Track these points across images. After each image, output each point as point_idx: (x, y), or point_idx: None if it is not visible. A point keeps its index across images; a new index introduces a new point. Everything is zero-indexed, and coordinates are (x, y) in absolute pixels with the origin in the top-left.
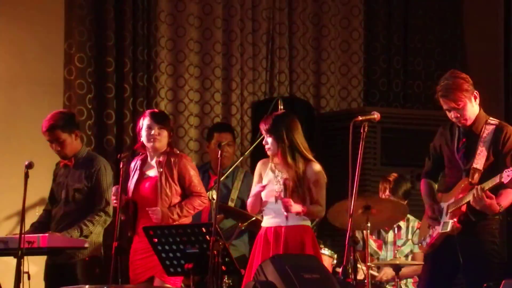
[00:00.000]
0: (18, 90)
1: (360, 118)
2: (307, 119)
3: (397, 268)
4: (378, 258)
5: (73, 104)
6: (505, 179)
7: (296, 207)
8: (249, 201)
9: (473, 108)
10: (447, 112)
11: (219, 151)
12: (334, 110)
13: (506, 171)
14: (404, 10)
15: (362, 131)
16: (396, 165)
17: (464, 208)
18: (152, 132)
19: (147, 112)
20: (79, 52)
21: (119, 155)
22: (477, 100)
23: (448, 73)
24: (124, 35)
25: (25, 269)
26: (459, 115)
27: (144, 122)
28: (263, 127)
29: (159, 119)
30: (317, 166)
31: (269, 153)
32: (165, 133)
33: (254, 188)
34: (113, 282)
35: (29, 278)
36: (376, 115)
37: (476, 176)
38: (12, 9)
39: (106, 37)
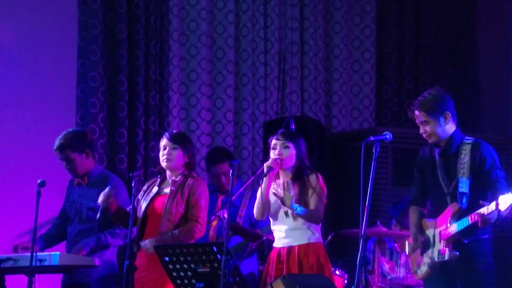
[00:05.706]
0: (30, 108)
1: (371, 138)
2: (319, 139)
3: None
4: (391, 280)
5: (86, 122)
6: (503, 206)
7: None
8: (255, 204)
9: (441, 127)
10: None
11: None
12: (345, 130)
13: (501, 198)
14: (416, 30)
15: (373, 151)
16: (408, 185)
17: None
18: (165, 151)
19: (166, 133)
20: (92, 71)
21: (131, 173)
22: (448, 120)
23: (428, 90)
24: (136, 54)
25: None
26: (423, 131)
27: (161, 144)
28: (283, 137)
29: (173, 138)
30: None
31: (283, 164)
32: (178, 153)
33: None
34: None
35: None
36: (387, 136)
37: (465, 201)
38: (25, 28)
39: (119, 56)
